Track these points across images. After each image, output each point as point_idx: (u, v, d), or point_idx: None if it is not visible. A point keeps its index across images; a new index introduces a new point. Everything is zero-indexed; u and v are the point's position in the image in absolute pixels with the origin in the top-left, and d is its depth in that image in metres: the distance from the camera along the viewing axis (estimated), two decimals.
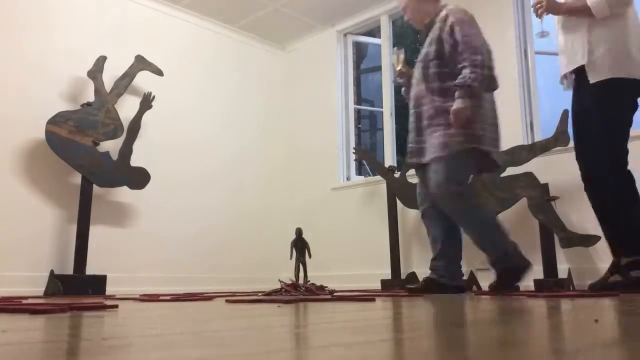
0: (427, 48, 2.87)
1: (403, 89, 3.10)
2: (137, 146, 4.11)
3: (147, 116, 4.24)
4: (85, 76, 3.98)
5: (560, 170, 3.53)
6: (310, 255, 3.97)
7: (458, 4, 4.30)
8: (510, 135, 3.79)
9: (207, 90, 4.94)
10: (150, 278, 4.18)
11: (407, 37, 9.66)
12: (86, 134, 3.83)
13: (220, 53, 5.12)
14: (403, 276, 4.02)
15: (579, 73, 2.74)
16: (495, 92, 3.98)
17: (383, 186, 4.38)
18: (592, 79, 2.65)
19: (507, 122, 3.89)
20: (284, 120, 5.48)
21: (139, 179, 4.06)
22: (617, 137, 2.63)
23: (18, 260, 3.60)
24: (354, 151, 4.80)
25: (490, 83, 2.77)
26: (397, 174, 4.21)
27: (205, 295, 2.95)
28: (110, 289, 3.71)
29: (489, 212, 3.05)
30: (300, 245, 3.96)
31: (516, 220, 3.68)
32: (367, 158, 4.68)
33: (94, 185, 3.86)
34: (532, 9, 2.82)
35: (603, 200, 2.68)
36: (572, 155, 3.46)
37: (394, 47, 3.05)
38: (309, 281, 3.68)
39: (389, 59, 4.75)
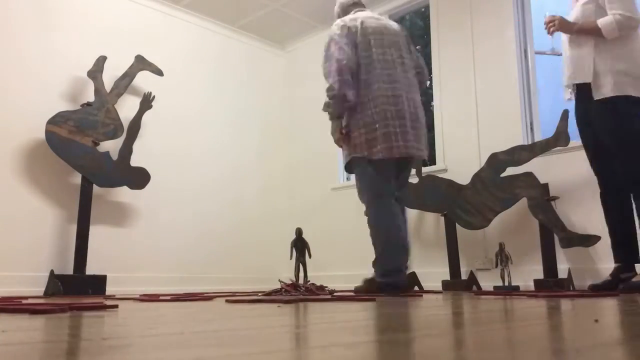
0: None
1: None
2: (137, 146, 4.11)
3: (147, 116, 4.23)
4: (85, 76, 3.98)
5: (560, 170, 3.53)
6: (310, 255, 3.97)
7: (458, 4, 4.32)
8: (510, 135, 3.80)
9: (207, 90, 4.94)
10: (150, 278, 4.18)
11: (413, 39, 9.67)
12: (86, 134, 3.83)
13: (220, 53, 5.12)
14: None
15: (582, 86, 2.78)
16: (487, 94, 3.99)
17: None
18: (597, 96, 2.69)
19: (507, 122, 3.90)
20: (284, 120, 5.48)
21: (139, 179, 4.06)
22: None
23: (18, 260, 3.60)
24: None
25: (343, 98, 2.79)
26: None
27: (205, 295, 2.95)
28: (110, 289, 3.71)
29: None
30: (300, 245, 3.97)
31: (516, 220, 3.68)
32: None
33: (94, 185, 3.86)
34: (544, 26, 2.84)
35: None
36: (572, 155, 3.49)
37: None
38: (309, 281, 3.69)
39: None
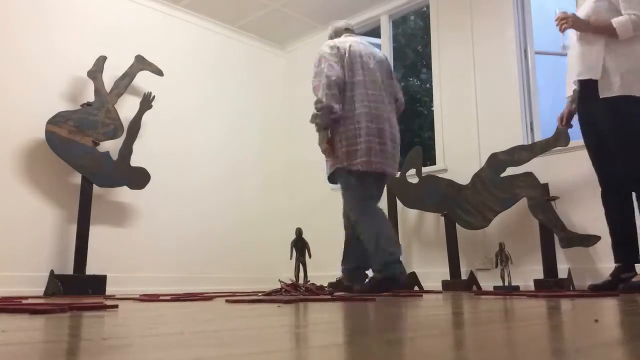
0: None
1: None
2: (137, 146, 4.11)
3: (147, 116, 4.24)
4: (85, 76, 3.98)
5: (560, 170, 3.53)
6: (310, 255, 3.97)
7: (458, 4, 4.32)
8: (510, 135, 3.80)
9: (207, 90, 4.94)
10: (150, 278, 4.18)
11: (415, 39, 9.67)
12: (86, 134, 3.83)
13: (220, 53, 5.12)
14: None
15: (587, 85, 2.77)
16: (487, 94, 4.00)
17: None
18: (603, 94, 2.69)
19: (507, 122, 3.90)
20: (284, 120, 5.48)
21: (139, 179, 4.06)
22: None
23: (18, 261, 3.60)
24: None
25: (330, 109, 2.94)
26: (397, 174, 4.20)
27: (205, 295, 2.95)
28: (110, 289, 3.71)
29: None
30: (300, 245, 3.96)
31: (516, 220, 3.68)
32: None
33: (94, 185, 3.86)
34: (555, 23, 2.83)
35: None
36: (572, 155, 3.49)
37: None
38: (309, 281, 3.69)
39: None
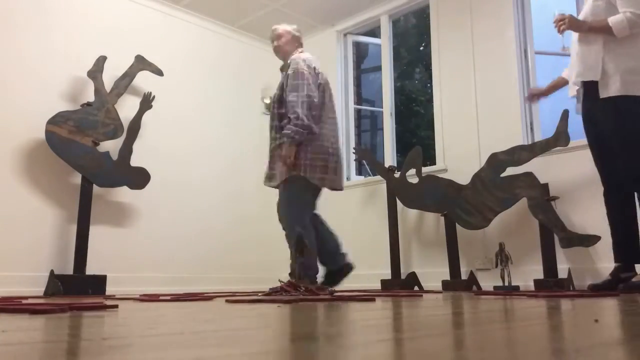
0: (277, 90, 3.35)
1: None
2: (137, 146, 4.11)
3: (147, 116, 4.23)
4: (85, 76, 3.98)
5: (560, 170, 3.53)
6: None
7: (458, 4, 4.32)
8: (510, 135, 3.79)
9: (207, 90, 4.94)
10: (150, 278, 4.18)
11: (410, 37, 9.67)
12: (86, 134, 3.83)
13: (220, 53, 5.12)
14: (403, 276, 4.02)
15: (589, 85, 2.77)
16: (487, 94, 4.02)
17: (383, 186, 4.38)
18: (603, 94, 2.69)
19: (507, 122, 3.90)
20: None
21: (139, 179, 4.06)
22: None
23: (18, 260, 3.60)
24: (354, 151, 4.80)
25: (309, 130, 3.18)
26: (397, 174, 4.21)
27: (205, 295, 2.95)
28: (110, 289, 3.71)
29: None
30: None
31: (516, 220, 3.68)
32: (367, 158, 4.68)
33: (94, 185, 3.86)
34: (554, 25, 2.83)
35: None
36: (572, 155, 3.49)
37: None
38: None
39: (387, 62, 4.75)
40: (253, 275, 4.80)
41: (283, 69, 3.44)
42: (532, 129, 3.84)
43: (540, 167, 3.52)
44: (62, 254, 3.78)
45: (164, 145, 4.50)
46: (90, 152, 3.83)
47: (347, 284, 4.26)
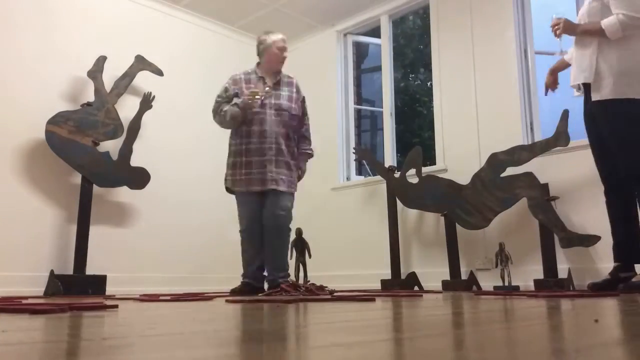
0: (284, 101, 3.43)
1: (250, 110, 3.39)
2: (137, 146, 4.11)
3: (147, 116, 4.23)
4: (85, 76, 3.98)
5: (560, 170, 3.53)
6: (310, 255, 3.97)
7: (458, 4, 4.32)
8: (510, 135, 3.79)
9: (207, 90, 4.91)
10: (150, 278, 4.17)
11: (414, 37, 9.67)
12: (86, 134, 3.83)
13: (220, 53, 5.11)
14: (403, 276, 4.02)
15: (589, 86, 2.77)
16: (487, 94, 4.04)
17: (383, 186, 4.38)
18: (595, 97, 2.69)
19: (507, 122, 3.90)
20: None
21: (139, 179, 4.06)
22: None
23: (18, 260, 3.60)
24: (354, 151, 4.80)
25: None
26: (397, 174, 4.21)
27: (205, 295, 2.95)
28: (110, 289, 3.71)
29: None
30: (300, 245, 3.97)
31: (516, 221, 3.68)
32: (367, 158, 4.68)
33: (94, 185, 3.86)
34: (551, 29, 2.84)
35: None
36: (572, 155, 3.49)
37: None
38: (309, 281, 3.69)
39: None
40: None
41: (276, 76, 3.54)
42: (532, 129, 3.84)
43: (540, 167, 3.52)
44: (62, 254, 3.78)
45: (164, 145, 4.50)
46: (90, 152, 3.83)
47: (347, 284, 4.26)
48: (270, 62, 3.52)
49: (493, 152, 3.65)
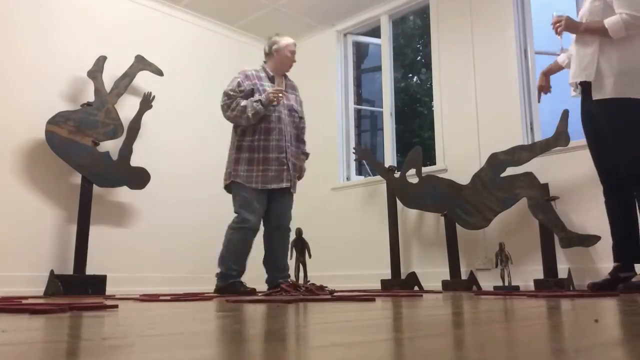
0: (295, 103, 3.56)
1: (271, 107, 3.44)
2: (137, 146, 4.11)
3: (147, 116, 4.23)
4: (85, 76, 3.98)
5: (560, 170, 3.53)
6: (310, 255, 3.97)
7: (458, 4, 4.32)
8: (510, 135, 3.79)
9: (207, 90, 4.93)
10: (150, 278, 4.17)
11: (414, 37, 9.67)
12: (86, 134, 3.83)
13: (220, 53, 5.11)
14: (403, 276, 4.02)
15: (587, 85, 2.77)
16: (487, 94, 4.04)
17: (383, 186, 4.38)
18: (596, 96, 2.69)
19: (507, 122, 3.90)
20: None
21: (139, 179, 4.06)
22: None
23: (18, 260, 3.60)
24: (354, 151, 4.80)
25: None
26: (397, 174, 4.21)
27: (205, 295, 2.95)
28: (110, 289, 3.71)
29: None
30: (300, 245, 3.96)
31: (516, 221, 3.68)
32: (367, 158, 4.68)
33: (94, 185, 3.86)
34: (551, 27, 2.83)
35: None
36: (572, 155, 3.49)
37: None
38: (309, 281, 3.69)
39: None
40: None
41: (284, 77, 3.64)
42: (532, 129, 3.84)
43: (540, 167, 3.52)
44: (62, 254, 3.78)
45: (164, 145, 4.50)
46: (90, 152, 3.83)
47: (347, 284, 4.26)
48: (282, 63, 3.57)
49: (493, 152, 3.65)
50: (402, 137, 5.06)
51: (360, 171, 5.23)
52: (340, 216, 4.81)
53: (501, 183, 3.56)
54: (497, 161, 3.61)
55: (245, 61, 5.32)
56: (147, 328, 0.99)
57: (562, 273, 3.33)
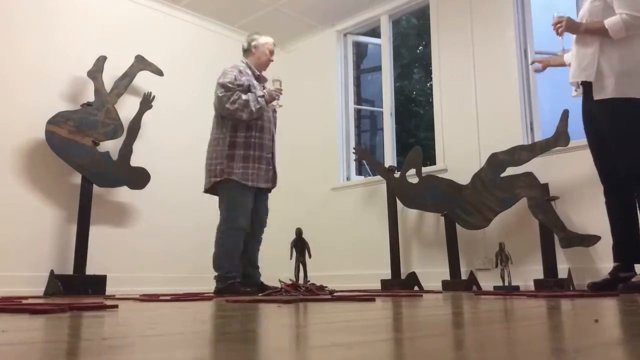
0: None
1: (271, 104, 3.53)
2: (137, 146, 4.11)
3: (147, 116, 4.23)
4: (85, 76, 3.98)
5: (560, 170, 3.53)
6: (310, 255, 3.97)
7: (458, 4, 4.32)
8: (510, 135, 3.79)
9: (207, 90, 4.90)
10: (150, 278, 4.17)
11: (410, 38, 9.67)
12: (86, 134, 3.83)
13: (220, 53, 5.11)
14: (403, 276, 4.02)
15: (588, 85, 2.77)
16: (487, 94, 4.04)
17: (383, 186, 4.38)
18: (597, 96, 2.69)
19: (507, 122, 3.90)
20: (283, 120, 5.47)
21: (139, 179, 4.06)
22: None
23: (18, 260, 3.60)
24: (354, 151, 4.80)
25: None
26: (397, 174, 4.21)
27: (205, 295, 2.95)
28: (110, 289, 3.71)
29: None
30: (300, 245, 3.96)
31: (516, 221, 3.68)
32: (367, 158, 4.68)
33: (94, 185, 3.86)
34: (552, 27, 2.83)
35: None
36: (572, 155, 3.49)
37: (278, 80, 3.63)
38: (309, 281, 3.69)
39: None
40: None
41: (264, 79, 3.65)
42: (532, 129, 3.84)
43: (540, 167, 3.52)
44: (62, 254, 3.78)
45: (164, 145, 4.50)
46: (90, 152, 3.83)
47: (347, 284, 4.26)
48: (259, 60, 3.58)
49: (493, 152, 3.65)
50: (399, 137, 5.05)
51: (360, 171, 5.23)
52: (340, 216, 4.81)
53: (501, 183, 3.56)
54: (497, 161, 3.61)
55: None
56: (147, 328, 0.99)
57: (562, 273, 3.33)
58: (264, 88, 3.53)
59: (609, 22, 2.63)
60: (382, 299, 2.20)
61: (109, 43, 4.27)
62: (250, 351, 0.65)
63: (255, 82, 3.47)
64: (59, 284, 3.46)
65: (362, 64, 6.17)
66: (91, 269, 3.69)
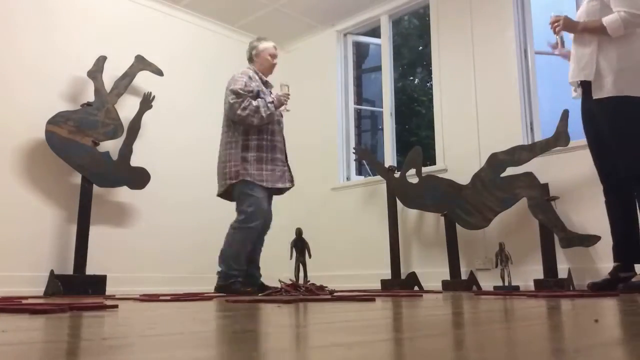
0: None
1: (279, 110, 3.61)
2: (137, 146, 4.11)
3: (147, 116, 4.23)
4: (85, 76, 3.98)
5: (560, 170, 3.53)
6: (310, 255, 3.97)
7: (458, 4, 4.32)
8: (510, 135, 3.79)
9: (207, 90, 4.93)
10: (150, 278, 4.17)
11: (411, 37, 9.67)
12: (86, 134, 3.83)
13: (220, 53, 5.11)
14: (403, 276, 4.02)
15: (587, 84, 2.77)
16: (487, 94, 4.04)
17: (383, 186, 4.38)
18: (596, 95, 2.69)
19: (507, 122, 3.90)
20: (283, 120, 5.47)
21: (139, 179, 4.06)
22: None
23: (18, 260, 3.60)
24: (354, 151, 4.80)
25: None
26: (397, 174, 4.21)
27: (205, 295, 2.95)
28: (110, 289, 3.71)
29: None
30: (300, 245, 3.96)
31: (516, 221, 3.68)
32: (367, 158, 4.68)
33: (94, 185, 3.86)
34: (549, 27, 2.84)
35: None
36: (572, 155, 3.49)
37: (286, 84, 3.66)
38: (309, 281, 3.69)
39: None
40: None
41: (269, 87, 3.70)
42: (532, 129, 3.84)
43: (540, 167, 3.52)
44: (62, 254, 3.78)
45: (164, 145, 4.50)
46: (90, 152, 3.83)
47: (347, 284, 4.26)
48: (263, 66, 3.66)
49: (493, 152, 3.65)
50: (401, 136, 5.07)
51: (360, 171, 5.23)
52: (340, 216, 4.81)
53: (501, 183, 3.56)
54: (497, 161, 3.61)
55: (245, 61, 5.32)
56: (147, 328, 0.99)
57: (562, 273, 3.33)
58: (270, 94, 3.59)
59: (607, 20, 2.63)
60: (382, 299, 2.20)
61: (109, 43, 4.27)
62: (250, 351, 0.65)
63: (263, 88, 3.54)
64: (59, 284, 3.46)
65: (364, 63, 6.17)
66: (91, 269, 3.70)
